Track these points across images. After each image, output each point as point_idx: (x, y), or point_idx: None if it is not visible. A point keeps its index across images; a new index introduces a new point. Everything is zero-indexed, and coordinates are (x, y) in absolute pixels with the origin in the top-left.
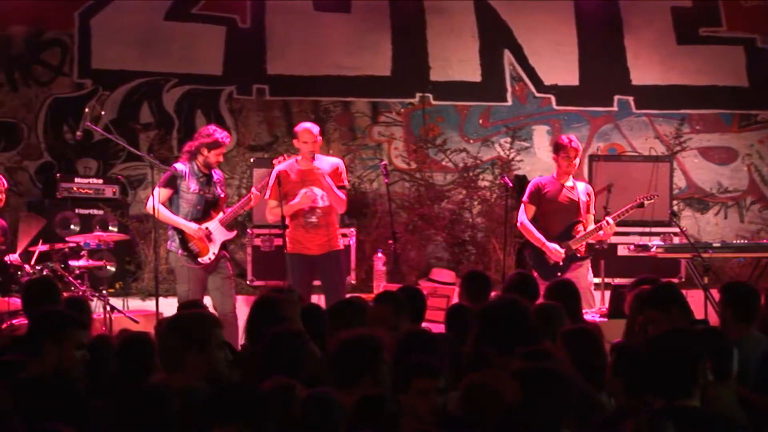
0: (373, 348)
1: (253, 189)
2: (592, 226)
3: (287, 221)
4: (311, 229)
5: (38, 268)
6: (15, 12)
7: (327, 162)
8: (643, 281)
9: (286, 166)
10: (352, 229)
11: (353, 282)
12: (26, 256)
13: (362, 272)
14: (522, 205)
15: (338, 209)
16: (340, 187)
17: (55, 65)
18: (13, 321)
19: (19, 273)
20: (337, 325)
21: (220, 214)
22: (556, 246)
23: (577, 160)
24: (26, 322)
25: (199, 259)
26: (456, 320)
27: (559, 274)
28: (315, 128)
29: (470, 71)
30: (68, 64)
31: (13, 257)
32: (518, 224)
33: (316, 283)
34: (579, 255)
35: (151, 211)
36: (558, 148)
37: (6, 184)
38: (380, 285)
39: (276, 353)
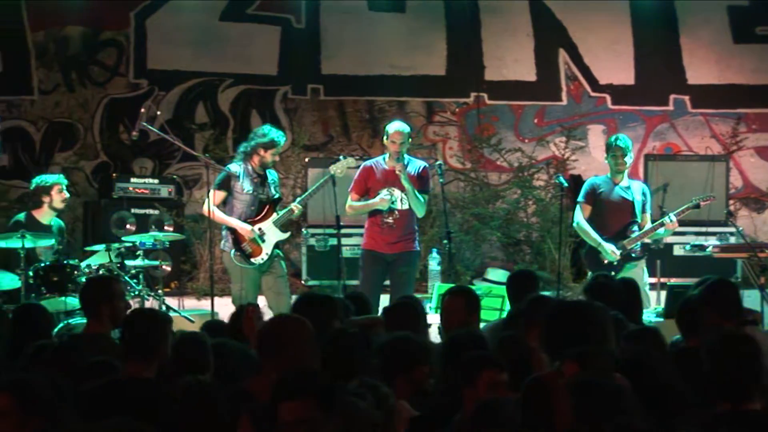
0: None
1: (294, 203)
2: (649, 225)
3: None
4: (386, 229)
5: (95, 267)
6: (72, 13)
7: (414, 164)
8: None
9: (373, 163)
10: None
11: None
12: (83, 255)
13: (417, 272)
14: (577, 206)
15: (417, 213)
16: (422, 192)
17: (111, 66)
18: (70, 321)
19: (75, 272)
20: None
21: (274, 215)
22: (612, 246)
23: (627, 159)
24: (83, 321)
25: (252, 260)
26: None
27: (613, 273)
28: (406, 128)
29: (525, 71)
30: (124, 64)
31: None
32: (574, 224)
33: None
34: (634, 255)
35: (206, 213)
36: (606, 147)
37: (66, 181)
38: (434, 285)
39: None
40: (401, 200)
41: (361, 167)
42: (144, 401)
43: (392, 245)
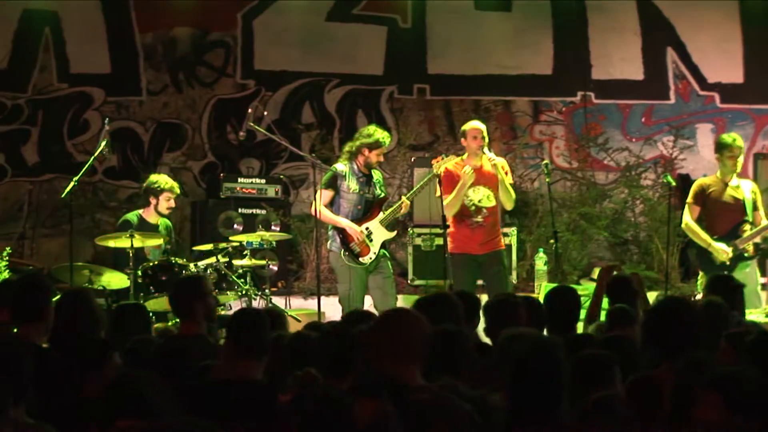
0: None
1: (404, 197)
2: (765, 223)
3: (450, 221)
4: (476, 228)
5: (202, 267)
6: (180, 14)
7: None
8: None
9: (452, 166)
10: (513, 229)
11: (514, 282)
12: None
13: (523, 272)
14: (686, 206)
15: (507, 205)
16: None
17: (218, 66)
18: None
19: (183, 272)
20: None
21: (381, 214)
22: (724, 245)
23: (742, 159)
24: None
25: (360, 259)
26: (618, 320)
27: (725, 273)
28: (482, 125)
29: (632, 69)
30: (231, 65)
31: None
32: (682, 225)
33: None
34: (746, 254)
35: (314, 213)
36: (722, 147)
37: (178, 191)
38: (541, 285)
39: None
40: (487, 197)
41: (443, 171)
42: (254, 403)
43: (483, 245)
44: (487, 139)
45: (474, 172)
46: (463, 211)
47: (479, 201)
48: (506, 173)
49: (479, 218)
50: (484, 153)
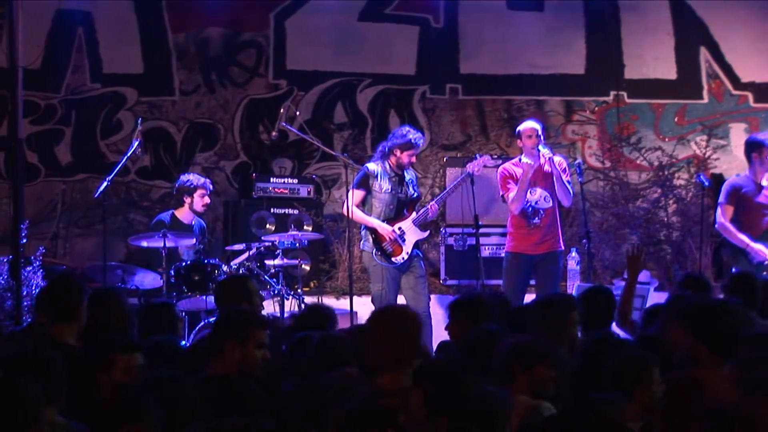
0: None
1: (432, 202)
2: None
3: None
4: (533, 229)
5: (235, 266)
6: (212, 14)
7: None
8: None
9: (510, 165)
10: None
11: None
12: (224, 255)
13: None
14: (719, 207)
15: (565, 201)
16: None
17: (250, 66)
18: (211, 319)
19: (216, 272)
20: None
21: (414, 214)
22: (762, 246)
23: None
24: None
25: (393, 259)
26: (651, 321)
27: (766, 274)
28: (538, 125)
29: (665, 69)
30: (264, 65)
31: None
32: (716, 226)
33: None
34: None
35: (346, 213)
36: (754, 146)
37: (211, 187)
38: (574, 284)
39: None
40: (544, 198)
41: (500, 172)
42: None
43: (539, 245)
44: (542, 138)
45: (532, 172)
46: (520, 212)
47: (536, 202)
48: (563, 170)
49: (536, 220)
50: (540, 151)
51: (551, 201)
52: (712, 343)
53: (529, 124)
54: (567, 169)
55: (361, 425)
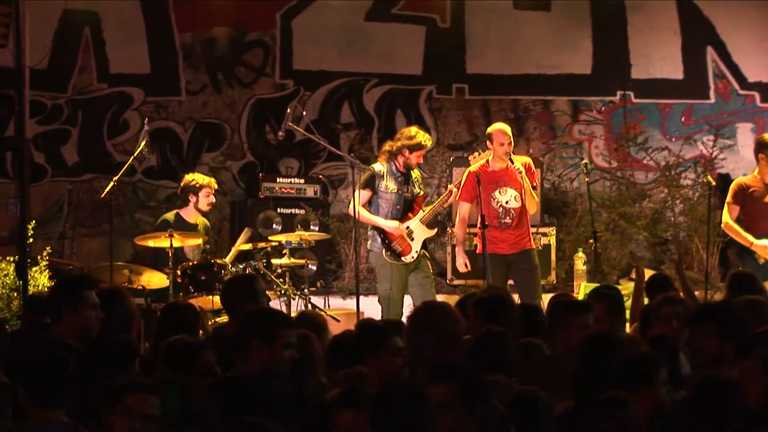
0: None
1: (451, 185)
2: None
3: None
4: (505, 229)
5: (241, 266)
6: (218, 14)
7: (518, 161)
8: None
9: (477, 168)
10: (552, 228)
11: (553, 282)
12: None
13: (562, 271)
14: (726, 206)
15: (530, 210)
16: (533, 188)
17: (257, 66)
18: (217, 319)
19: (222, 271)
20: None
21: (421, 213)
22: (766, 241)
23: None
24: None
25: (402, 258)
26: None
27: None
28: (508, 128)
29: (672, 68)
30: (270, 65)
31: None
32: (722, 225)
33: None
34: None
35: (352, 214)
36: (762, 147)
37: (216, 186)
38: (580, 284)
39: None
40: (515, 198)
41: (466, 175)
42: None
43: (513, 245)
44: (512, 145)
45: (500, 173)
46: (491, 213)
47: (506, 202)
48: (532, 173)
49: (508, 219)
50: (509, 160)
51: (521, 201)
52: (740, 343)
53: (500, 127)
54: (536, 173)
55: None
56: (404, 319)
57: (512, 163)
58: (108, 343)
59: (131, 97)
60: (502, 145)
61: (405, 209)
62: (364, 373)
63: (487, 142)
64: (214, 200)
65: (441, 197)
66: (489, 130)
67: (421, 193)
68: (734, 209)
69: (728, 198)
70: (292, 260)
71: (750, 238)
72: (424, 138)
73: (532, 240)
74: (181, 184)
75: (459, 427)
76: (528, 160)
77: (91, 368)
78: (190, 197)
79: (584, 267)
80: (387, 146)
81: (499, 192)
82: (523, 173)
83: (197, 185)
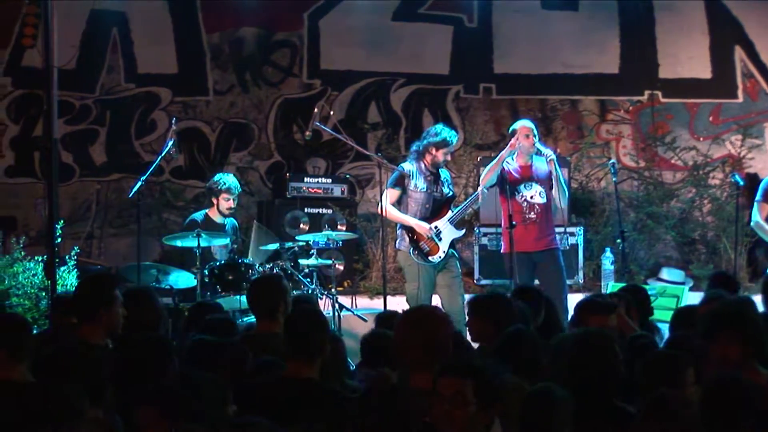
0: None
1: (480, 188)
2: None
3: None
4: (529, 225)
5: (269, 266)
6: (246, 14)
7: (544, 154)
8: None
9: (503, 165)
10: (579, 228)
11: (581, 281)
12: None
13: (590, 271)
14: (755, 205)
15: (560, 201)
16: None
17: (284, 66)
18: (246, 319)
19: (250, 271)
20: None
21: (449, 213)
22: None
23: None
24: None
25: (430, 258)
26: (682, 321)
27: None
28: (532, 124)
29: (700, 68)
30: (297, 64)
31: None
32: (751, 224)
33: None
34: None
35: (382, 212)
36: None
37: (239, 189)
38: (608, 284)
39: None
40: (539, 194)
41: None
42: (306, 400)
43: (538, 241)
44: (537, 138)
45: (525, 169)
46: (515, 208)
47: (531, 197)
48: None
49: (532, 215)
50: (537, 150)
51: (546, 197)
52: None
53: (526, 123)
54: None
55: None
56: None
57: (540, 153)
58: (146, 341)
59: (159, 97)
60: (527, 137)
61: (434, 209)
62: (389, 375)
63: (511, 139)
64: (233, 204)
65: (469, 199)
66: (513, 126)
67: (450, 193)
68: (764, 208)
69: (757, 196)
70: (319, 260)
71: None
72: (449, 134)
73: (557, 239)
74: (207, 184)
75: (473, 425)
76: (551, 152)
77: (132, 367)
78: (212, 199)
79: (612, 267)
80: (414, 146)
81: (524, 185)
82: (555, 159)
83: (216, 189)
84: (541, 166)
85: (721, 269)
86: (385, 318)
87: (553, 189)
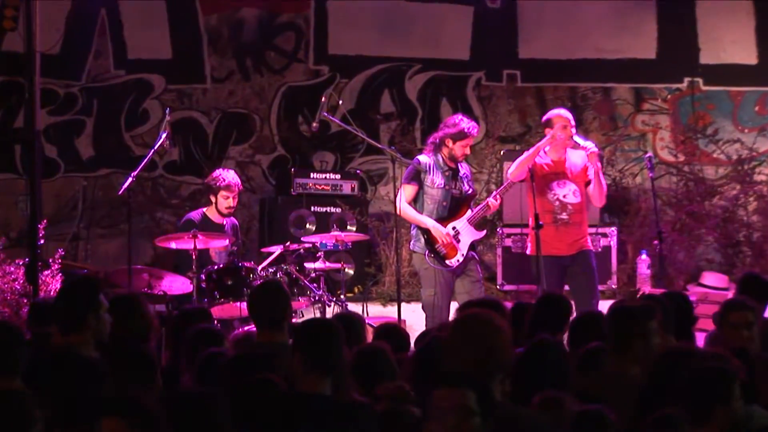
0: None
1: (490, 198)
2: None
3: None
4: (561, 227)
5: (271, 270)
6: None
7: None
8: None
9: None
10: (613, 229)
11: (614, 286)
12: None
13: (624, 276)
14: None
15: (598, 201)
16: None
17: (289, 51)
18: (245, 327)
19: (251, 276)
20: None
21: (468, 213)
22: None
23: None
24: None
25: (447, 262)
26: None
27: None
28: (569, 114)
29: (745, 53)
30: (303, 49)
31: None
32: None
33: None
34: None
35: (397, 211)
36: None
37: (240, 186)
38: (644, 290)
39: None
40: (573, 193)
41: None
42: (321, 418)
43: (570, 245)
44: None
45: (559, 164)
46: (545, 207)
47: (564, 196)
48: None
49: (564, 215)
50: (575, 142)
51: (581, 195)
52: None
53: (563, 113)
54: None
55: None
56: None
57: (578, 146)
58: (127, 354)
59: (151, 84)
60: (565, 128)
61: (452, 207)
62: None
63: (546, 129)
64: (234, 203)
65: (480, 206)
66: (547, 116)
67: (470, 190)
68: None
69: None
70: (327, 264)
71: None
72: (468, 125)
73: (589, 241)
74: (205, 181)
75: None
76: (592, 145)
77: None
78: (210, 197)
79: (648, 271)
80: (430, 138)
81: (557, 183)
82: (596, 153)
83: (214, 185)
84: (576, 161)
85: (752, 271)
86: (385, 331)
87: (591, 186)
